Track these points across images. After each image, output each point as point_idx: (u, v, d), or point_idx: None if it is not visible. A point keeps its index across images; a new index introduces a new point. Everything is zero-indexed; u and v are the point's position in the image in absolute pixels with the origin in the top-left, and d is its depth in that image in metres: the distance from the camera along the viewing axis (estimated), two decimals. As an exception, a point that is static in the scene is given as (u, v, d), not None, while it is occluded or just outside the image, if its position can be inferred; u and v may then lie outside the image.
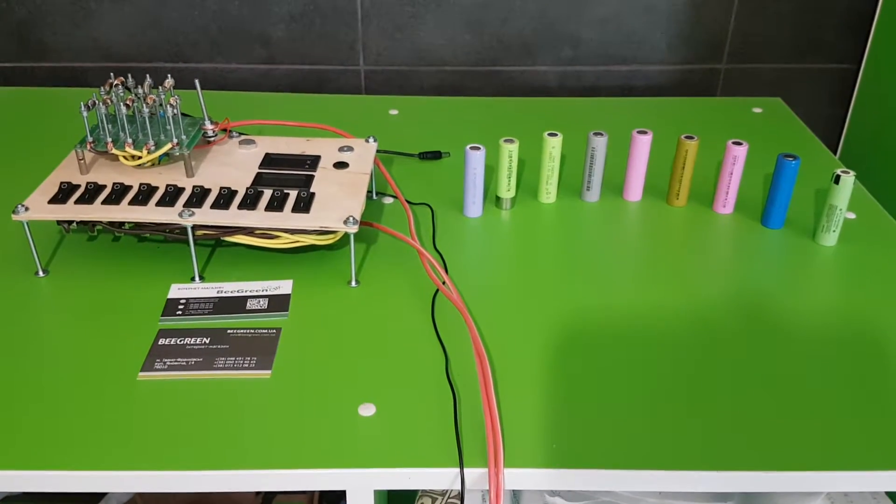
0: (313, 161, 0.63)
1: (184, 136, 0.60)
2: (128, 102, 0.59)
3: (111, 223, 0.56)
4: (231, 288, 0.57)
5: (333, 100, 0.87)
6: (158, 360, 0.50)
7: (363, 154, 0.64)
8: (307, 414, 0.47)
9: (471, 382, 0.49)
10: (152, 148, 0.58)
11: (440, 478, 0.44)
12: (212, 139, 0.63)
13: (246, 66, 0.90)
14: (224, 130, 0.65)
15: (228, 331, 0.53)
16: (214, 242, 0.61)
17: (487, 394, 0.47)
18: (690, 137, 0.65)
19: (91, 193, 0.57)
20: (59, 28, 0.88)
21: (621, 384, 0.49)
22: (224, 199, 0.57)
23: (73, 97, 0.81)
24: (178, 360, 0.50)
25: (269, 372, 0.49)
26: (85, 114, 0.58)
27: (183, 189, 0.58)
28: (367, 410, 0.47)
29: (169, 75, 0.62)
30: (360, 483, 0.44)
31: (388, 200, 0.68)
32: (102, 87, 0.60)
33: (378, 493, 0.48)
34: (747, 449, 0.45)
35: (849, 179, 0.60)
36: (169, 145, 0.58)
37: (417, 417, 0.46)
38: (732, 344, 0.53)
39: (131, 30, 0.88)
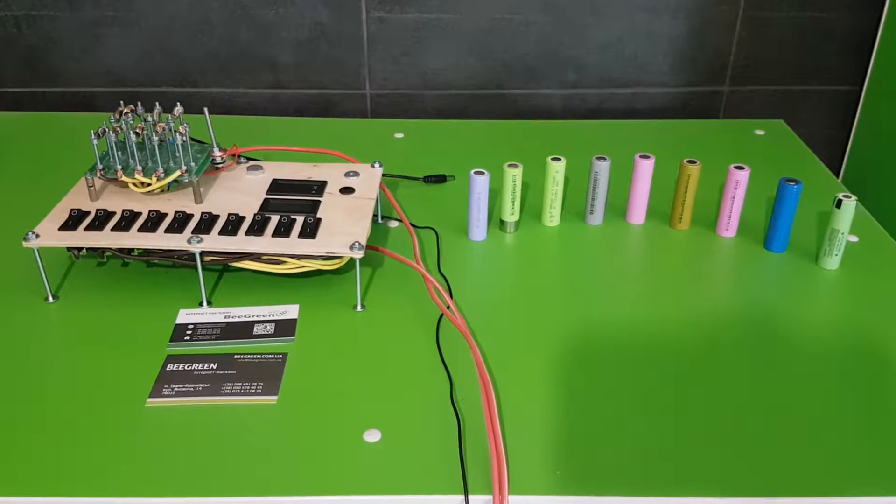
0: (320, 186, 0.64)
1: (193, 164, 0.61)
2: (137, 130, 0.60)
3: (120, 249, 0.57)
4: (238, 313, 0.57)
5: (340, 123, 0.88)
6: (166, 386, 0.50)
7: (369, 179, 0.65)
8: (312, 440, 0.47)
9: (476, 407, 0.49)
10: (162, 175, 0.59)
11: (445, 504, 0.44)
12: (220, 165, 0.64)
13: (254, 90, 0.92)
14: (232, 156, 0.66)
15: (235, 356, 0.53)
16: (222, 267, 0.62)
17: (492, 420, 0.47)
18: (693, 161, 0.66)
19: (100, 220, 0.58)
20: (69, 53, 0.89)
21: (627, 408, 0.50)
22: (232, 225, 0.58)
23: (83, 122, 0.83)
24: (186, 385, 0.50)
25: (275, 398, 0.50)
26: (95, 141, 0.59)
27: (192, 215, 0.59)
28: (372, 437, 0.47)
29: (178, 103, 0.63)
30: (366, 509, 0.44)
31: (393, 224, 0.69)
32: (112, 115, 0.61)
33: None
34: (756, 474, 0.45)
35: (850, 204, 0.60)
36: (178, 172, 0.59)
37: (422, 444, 0.47)
38: (738, 368, 0.53)
39: (140, 55, 0.89)
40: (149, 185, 0.59)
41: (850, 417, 0.49)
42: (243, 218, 0.59)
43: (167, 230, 0.57)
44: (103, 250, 0.58)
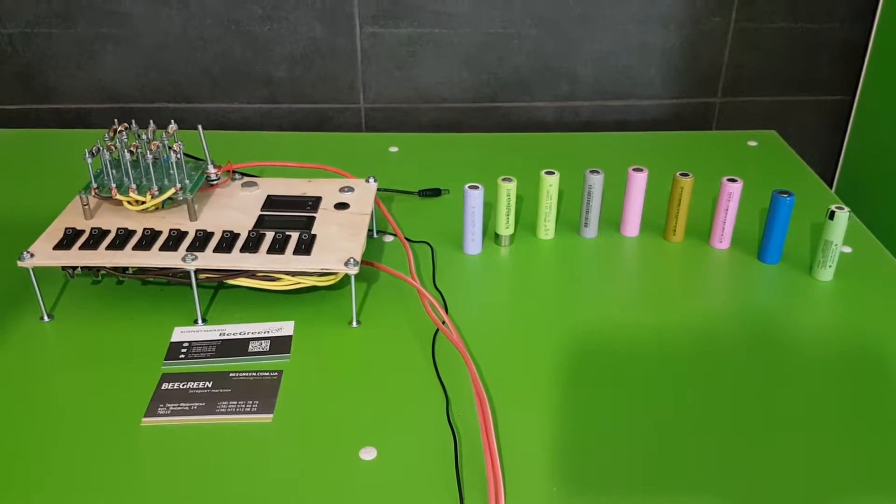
0: (314, 202, 0.64)
1: (187, 181, 0.61)
2: (132, 148, 0.60)
3: (115, 268, 0.57)
4: (233, 330, 0.57)
5: (334, 138, 0.88)
6: (162, 406, 0.50)
7: (363, 194, 0.65)
8: (308, 459, 0.47)
9: (472, 423, 0.49)
10: (156, 193, 0.59)
11: (441, 522, 0.44)
12: (215, 182, 0.64)
13: (248, 105, 0.92)
14: (227, 173, 0.66)
15: (231, 374, 0.53)
16: (217, 284, 0.62)
17: (488, 436, 0.47)
18: (685, 174, 0.66)
19: (95, 239, 0.58)
20: (64, 70, 0.89)
21: (624, 422, 0.50)
22: (226, 242, 0.58)
23: (78, 139, 0.83)
24: (181, 404, 0.50)
25: (270, 416, 0.50)
26: (89, 160, 0.59)
27: (186, 233, 0.59)
28: (368, 454, 0.47)
29: (172, 121, 0.63)
30: (362, 528, 0.44)
31: (388, 239, 0.69)
32: (107, 133, 0.61)
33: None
34: (754, 483, 0.45)
35: (843, 215, 0.60)
36: (172, 190, 0.59)
37: (418, 461, 0.47)
38: (736, 380, 0.53)
39: (135, 71, 0.89)
40: (143, 203, 0.59)
41: (848, 427, 0.49)
42: (238, 235, 0.59)
43: (162, 248, 0.57)
44: (98, 269, 0.58)
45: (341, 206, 0.63)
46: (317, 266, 0.56)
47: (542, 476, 0.46)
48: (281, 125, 0.93)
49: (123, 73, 0.90)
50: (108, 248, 0.57)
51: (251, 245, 0.58)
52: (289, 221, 0.61)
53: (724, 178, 0.65)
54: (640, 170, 0.67)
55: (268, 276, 0.57)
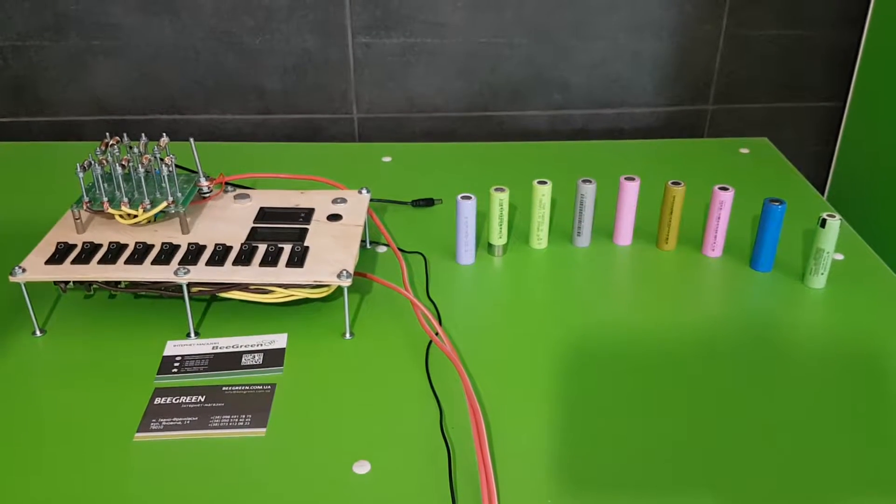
0: (307, 214, 0.64)
1: (179, 194, 0.61)
2: (123, 162, 0.60)
3: (107, 282, 0.57)
4: (226, 343, 0.57)
5: (327, 148, 0.88)
6: (154, 421, 0.50)
7: (356, 205, 0.65)
8: (302, 473, 0.47)
9: (466, 436, 0.49)
10: (148, 206, 0.59)
11: (435, 536, 0.44)
12: (207, 195, 0.64)
13: (241, 116, 0.92)
14: (219, 185, 0.66)
15: (224, 388, 0.53)
16: (210, 297, 0.62)
17: (482, 449, 0.47)
18: (677, 183, 0.66)
19: (87, 253, 0.57)
20: (55, 83, 0.89)
21: (618, 432, 0.50)
22: (219, 255, 0.58)
23: (69, 152, 0.83)
24: (174, 419, 0.50)
25: (263, 430, 0.50)
26: (81, 174, 0.58)
27: (178, 246, 0.59)
28: (361, 468, 0.47)
29: (164, 134, 0.63)
30: (356, 542, 0.44)
31: (381, 249, 0.69)
32: (98, 147, 0.61)
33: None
34: (750, 493, 0.45)
35: (834, 223, 0.60)
36: (164, 203, 0.59)
37: (412, 474, 0.47)
38: (727, 389, 0.53)
39: (127, 83, 0.89)
40: (135, 216, 0.59)
41: (842, 432, 0.50)
42: (230, 248, 0.59)
43: (154, 262, 0.57)
44: (90, 283, 0.58)
45: (334, 217, 0.63)
46: (310, 278, 0.56)
47: (537, 488, 0.46)
48: (274, 136, 0.93)
49: (115, 85, 0.90)
50: (100, 262, 0.57)
51: (244, 258, 0.58)
52: (281, 233, 0.61)
53: (716, 187, 0.65)
54: (633, 179, 0.67)
55: (260, 289, 0.57)
